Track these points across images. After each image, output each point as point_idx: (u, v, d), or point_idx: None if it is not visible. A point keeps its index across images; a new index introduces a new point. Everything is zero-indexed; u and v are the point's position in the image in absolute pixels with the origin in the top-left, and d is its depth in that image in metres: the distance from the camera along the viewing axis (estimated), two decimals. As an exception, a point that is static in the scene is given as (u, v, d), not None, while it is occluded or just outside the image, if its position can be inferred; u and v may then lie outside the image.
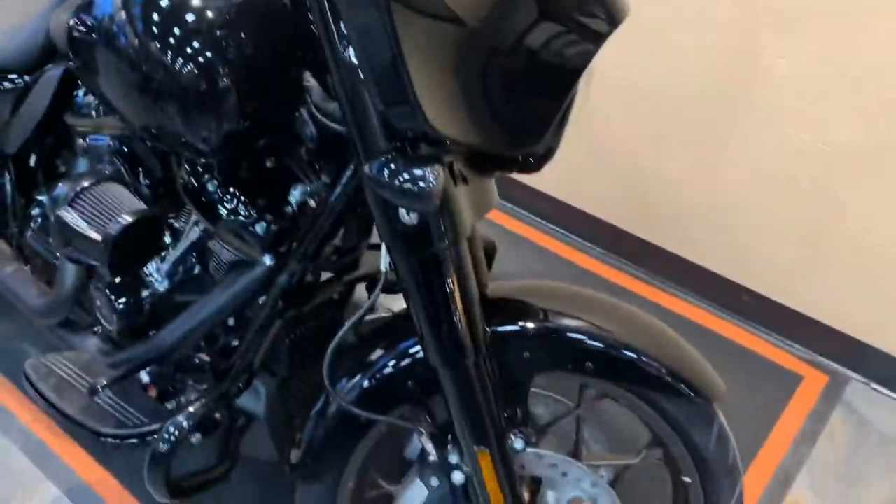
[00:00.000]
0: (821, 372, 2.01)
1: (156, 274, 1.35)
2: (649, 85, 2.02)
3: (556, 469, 1.17)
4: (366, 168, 0.86)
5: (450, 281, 0.96)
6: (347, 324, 1.05)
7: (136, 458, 1.35)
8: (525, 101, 0.88)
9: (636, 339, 1.12)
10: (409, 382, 1.12)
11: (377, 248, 1.18)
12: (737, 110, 1.91)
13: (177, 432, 1.16)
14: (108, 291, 1.33)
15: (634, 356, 1.10)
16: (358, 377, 1.14)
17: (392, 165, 0.85)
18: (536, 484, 1.21)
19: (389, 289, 1.05)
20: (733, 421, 1.18)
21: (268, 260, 1.17)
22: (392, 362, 1.13)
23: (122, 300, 1.36)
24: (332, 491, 1.25)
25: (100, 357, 1.41)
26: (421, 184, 0.83)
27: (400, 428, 1.22)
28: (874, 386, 1.97)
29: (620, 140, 2.17)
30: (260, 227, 1.15)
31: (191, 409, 1.26)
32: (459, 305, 0.98)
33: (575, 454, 1.21)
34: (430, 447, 1.12)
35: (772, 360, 2.04)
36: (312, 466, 1.19)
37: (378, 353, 1.15)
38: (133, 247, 1.18)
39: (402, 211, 0.89)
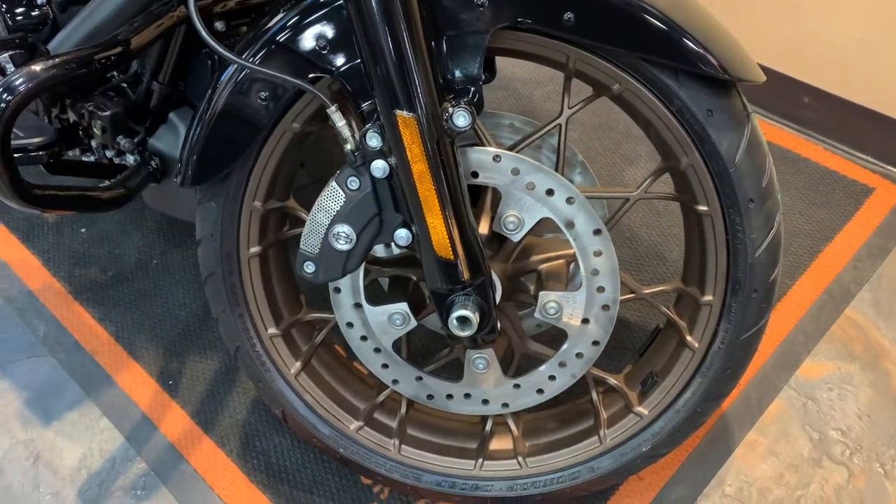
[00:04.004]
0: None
1: None
2: None
3: (518, 177, 0.86)
4: None
5: None
6: None
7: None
8: None
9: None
10: (319, 43, 0.82)
11: None
12: None
13: (9, 96, 0.86)
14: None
15: (635, 7, 0.78)
16: (257, 41, 0.85)
17: None
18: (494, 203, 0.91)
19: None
20: (784, 234, 0.91)
21: None
22: (295, 20, 0.84)
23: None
24: (233, 210, 0.97)
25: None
26: None
27: (314, 137, 0.94)
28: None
29: None
30: None
31: None
32: None
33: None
34: (343, 126, 0.82)
35: (836, 170, 1.67)
36: (204, 164, 0.90)
37: (279, 14, 0.85)
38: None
39: None
